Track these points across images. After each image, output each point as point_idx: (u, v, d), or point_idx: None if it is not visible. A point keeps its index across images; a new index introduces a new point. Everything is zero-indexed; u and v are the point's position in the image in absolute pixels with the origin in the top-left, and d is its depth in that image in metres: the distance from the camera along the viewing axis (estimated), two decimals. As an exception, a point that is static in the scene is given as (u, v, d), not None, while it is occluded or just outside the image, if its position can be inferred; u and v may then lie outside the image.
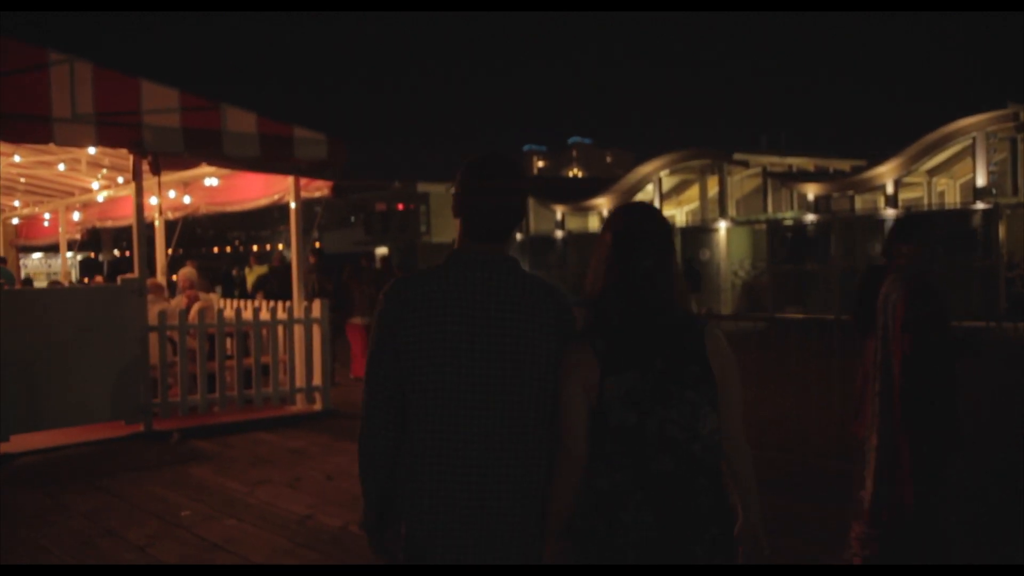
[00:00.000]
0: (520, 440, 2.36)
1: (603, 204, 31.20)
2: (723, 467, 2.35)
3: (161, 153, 8.70)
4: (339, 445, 8.48)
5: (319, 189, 10.34)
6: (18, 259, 19.49)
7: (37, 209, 15.95)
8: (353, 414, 10.26)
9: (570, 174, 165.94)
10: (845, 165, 30.34)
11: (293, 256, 10.30)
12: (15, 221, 17.70)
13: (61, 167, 11.10)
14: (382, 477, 2.42)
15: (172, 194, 12.47)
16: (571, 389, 2.31)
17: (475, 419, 2.33)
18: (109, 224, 14.99)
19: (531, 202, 35.15)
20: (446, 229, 37.02)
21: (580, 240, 29.89)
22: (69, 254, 19.40)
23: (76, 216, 14.86)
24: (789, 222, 25.02)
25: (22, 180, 13.13)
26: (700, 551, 2.25)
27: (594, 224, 35.32)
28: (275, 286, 12.23)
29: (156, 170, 8.71)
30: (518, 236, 32.28)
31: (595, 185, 32.99)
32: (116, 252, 39.83)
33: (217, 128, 8.89)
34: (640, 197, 31.68)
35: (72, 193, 14.71)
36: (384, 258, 26.51)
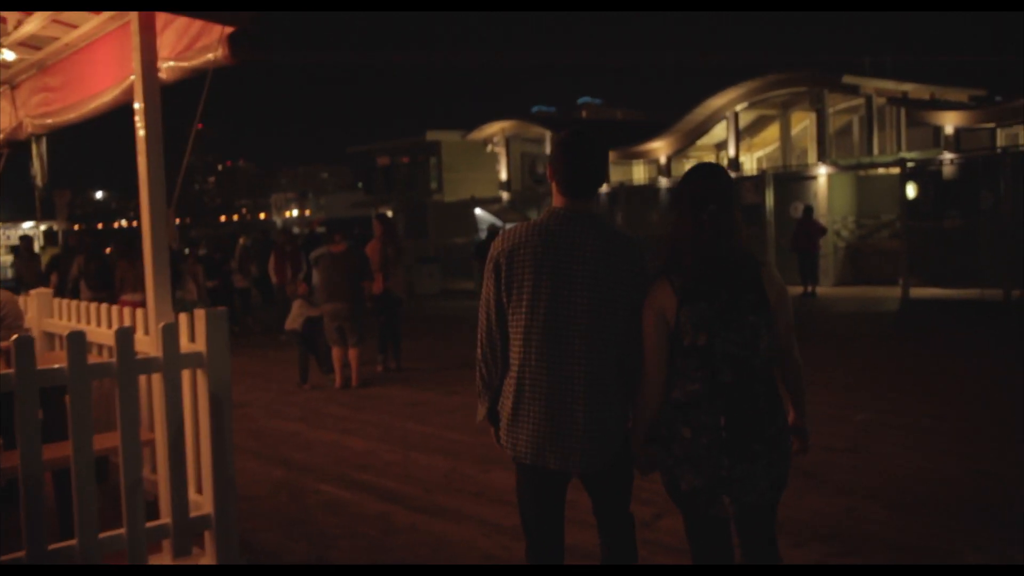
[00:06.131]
0: (605, 364, 2.96)
1: (660, 148, 24.99)
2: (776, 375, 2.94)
3: None
4: None
5: (206, 49, 4.50)
6: None
7: None
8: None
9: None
10: (962, 95, 24.15)
11: (143, 205, 4.41)
12: None
13: None
14: (495, 392, 3.11)
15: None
16: (652, 317, 2.91)
17: (568, 346, 2.95)
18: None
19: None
20: (463, 185, 30.88)
21: (629, 193, 23.70)
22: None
23: None
24: (910, 164, 18.89)
25: None
26: (760, 447, 2.83)
27: (640, 174, 29.23)
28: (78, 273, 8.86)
29: None
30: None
31: (652, 126, 26.64)
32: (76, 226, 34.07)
33: None
34: (704, 141, 25.61)
35: None
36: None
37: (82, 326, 5.36)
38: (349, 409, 8.84)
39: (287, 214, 61.98)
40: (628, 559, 3.19)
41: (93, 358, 5.07)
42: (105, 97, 5.47)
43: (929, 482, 5.56)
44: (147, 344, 4.49)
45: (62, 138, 7.55)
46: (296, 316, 10.25)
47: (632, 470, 3.11)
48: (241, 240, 19.68)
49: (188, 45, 4.69)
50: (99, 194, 77.74)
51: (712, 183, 2.94)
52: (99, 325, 5.22)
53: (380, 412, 8.63)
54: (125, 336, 3.89)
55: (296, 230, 50.30)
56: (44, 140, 7.60)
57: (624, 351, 2.97)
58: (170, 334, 4.03)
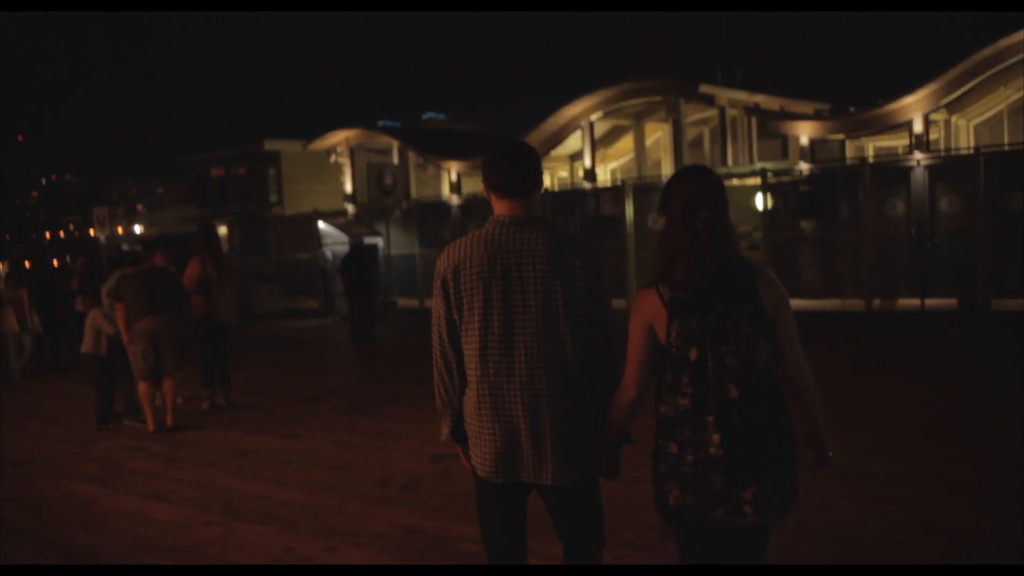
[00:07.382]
0: (569, 373, 2.87)
1: (513, 159, 24.06)
2: (784, 389, 2.76)
3: None
4: None
5: None
6: None
7: None
8: None
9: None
10: (808, 108, 24.42)
11: None
12: None
13: None
14: (456, 406, 3.02)
15: None
16: (640, 331, 2.76)
17: (527, 358, 2.84)
18: None
19: (412, 162, 27.80)
20: (305, 197, 28.94)
21: (484, 206, 22.66)
22: None
23: None
24: (771, 174, 18.66)
25: None
26: (766, 464, 2.65)
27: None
28: None
29: None
30: (403, 204, 24.89)
31: (504, 138, 25.69)
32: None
33: None
34: (559, 151, 24.90)
35: None
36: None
37: None
38: (161, 462, 7.24)
39: (119, 230, 57.57)
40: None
41: None
42: None
43: (875, 542, 4.60)
44: None
45: None
46: (93, 336, 8.55)
47: (598, 488, 3.05)
48: (79, 261, 17.36)
49: None
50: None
51: (704, 187, 2.74)
52: None
53: (200, 465, 7.07)
54: None
55: (125, 247, 46.59)
56: None
57: (592, 361, 2.91)
58: None
